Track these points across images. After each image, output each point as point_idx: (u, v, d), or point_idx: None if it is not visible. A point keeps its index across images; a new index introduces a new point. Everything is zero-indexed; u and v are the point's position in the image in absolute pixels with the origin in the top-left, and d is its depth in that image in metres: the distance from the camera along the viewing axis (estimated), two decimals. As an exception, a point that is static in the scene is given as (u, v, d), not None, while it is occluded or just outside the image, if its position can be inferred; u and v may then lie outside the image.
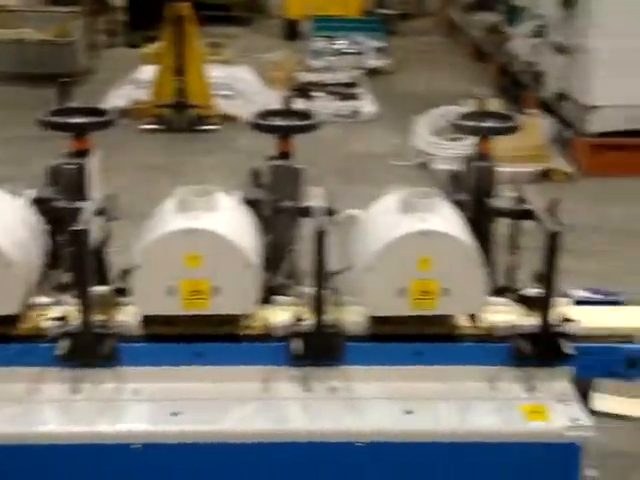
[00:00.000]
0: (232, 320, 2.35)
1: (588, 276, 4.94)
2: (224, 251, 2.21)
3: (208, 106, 8.11)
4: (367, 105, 8.68)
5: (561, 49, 7.68)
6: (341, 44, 10.24)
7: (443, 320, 2.37)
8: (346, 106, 8.56)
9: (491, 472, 2.25)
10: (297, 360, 2.31)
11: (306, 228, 2.45)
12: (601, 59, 7.06)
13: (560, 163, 7.14)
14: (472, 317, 2.38)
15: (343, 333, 2.32)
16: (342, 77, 9.31)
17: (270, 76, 9.02)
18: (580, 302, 2.52)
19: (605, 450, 3.46)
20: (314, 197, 2.46)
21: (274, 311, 2.39)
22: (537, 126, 7.18)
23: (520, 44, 8.74)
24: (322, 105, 8.25)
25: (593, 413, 2.37)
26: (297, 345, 2.29)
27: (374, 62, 10.14)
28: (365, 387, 2.33)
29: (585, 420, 2.23)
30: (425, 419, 2.24)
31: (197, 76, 8.07)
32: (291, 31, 11.65)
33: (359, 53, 10.17)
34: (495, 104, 6.56)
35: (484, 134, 2.53)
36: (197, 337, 2.33)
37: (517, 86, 8.63)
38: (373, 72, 9.96)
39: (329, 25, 10.48)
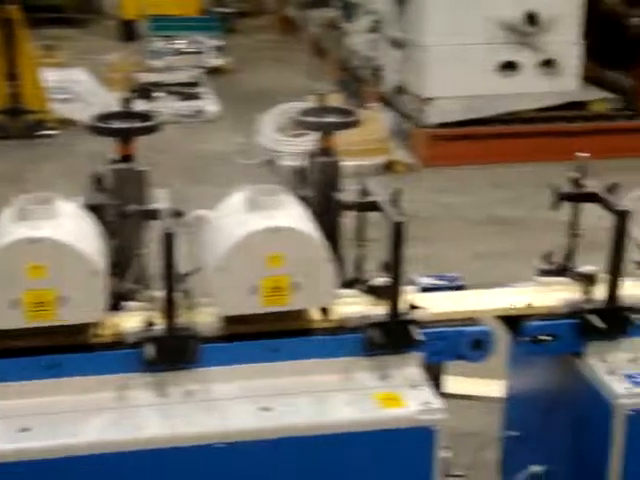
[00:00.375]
0: (81, 329, 2.28)
1: (433, 263, 5.10)
2: (68, 259, 2.15)
3: (45, 111, 7.87)
4: (210, 104, 8.63)
5: (397, 44, 7.89)
6: (180, 43, 10.14)
7: (296, 315, 2.38)
8: (188, 106, 8.49)
9: (351, 461, 2.28)
10: (151, 366, 2.27)
11: (153, 231, 2.42)
12: (435, 53, 7.31)
13: (401, 155, 7.34)
14: (324, 310, 2.41)
15: (197, 335, 2.30)
16: (183, 77, 9.23)
17: (108, 78, 8.83)
18: (426, 289, 2.60)
19: (457, 431, 3.58)
20: (159, 199, 2.42)
21: (124, 317, 2.34)
22: (378, 119, 7.35)
23: (357, 39, 8.91)
24: (163, 105, 8.16)
25: (444, 396, 2.44)
26: (150, 350, 2.25)
27: (215, 61, 10.10)
28: (222, 387, 2.32)
29: (437, 403, 2.29)
30: (283, 415, 2.25)
31: (31, 80, 7.81)
32: (128, 32, 11.43)
33: (199, 52, 10.10)
34: (336, 99, 6.65)
35: (326, 129, 2.56)
36: (45, 349, 2.25)
37: (357, 81, 8.80)
38: (214, 71, 9.92)
39: (167, 24, 10.35)
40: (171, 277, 2.23)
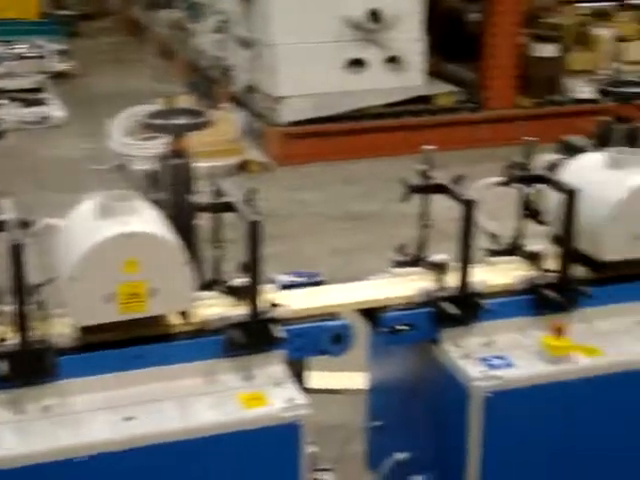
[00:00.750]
0: None
1: (292, 260, 5.14)
2: None
3: None
4: (55, 110, 8.39)
5: (245, 43, 7.89)
6: (21, 48, 9.80)
7: (155, 321, 2.35)
8: (33, 112, 8.21)
9: (219, 464, 2.28)
10: (5, 382, 2.19)
11: (0, 243, 2.33)
12: (283, 52, 7.35)
13: (255, 154, 7.34)
14: (184, 314, 2.38)
15: (52, 347, 2.23)
16: (25, 83, 8.93)
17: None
18: (286, 286, 2.61)
19: (323, 425, 3.62)
20: (5, 209, 2.34)
21: (-27, 335, 2.25)
22: (230, 120, 7.33)
23: (205, 40, 8.86)
24: (6, 113, 7.87)
25: (309, 391, 2.47)
26: (2, 367, 2.17)
27: (58, 65, 9.81)
28: (83, 399, 2.26)
29: (301, 399, 2.31)
30: (147, 423, 2.22)
31: None
32: (-36, 37, 10.95)
33: (41, 57, 9.78)
34: (186, 101, 6.59)
35: (176, 131, 2.53)
36: None
37: (207, 81, 8.74)
38: (58, 76, 9.63)
39: (5, 29, 9.98)
40: (21, 289, 2.16)
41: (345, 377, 4.18)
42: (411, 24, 7.59)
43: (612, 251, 2.59)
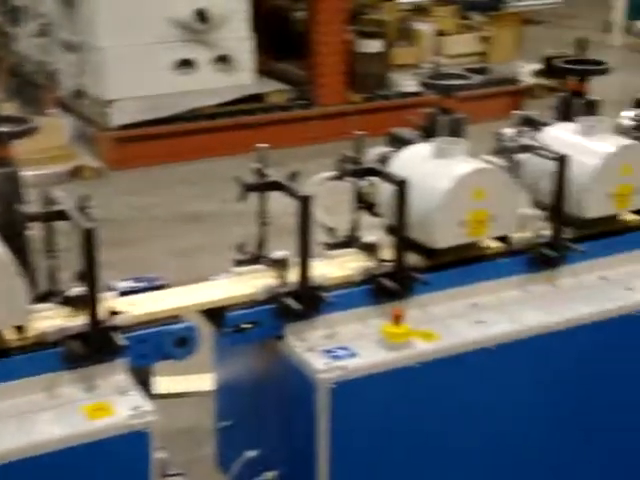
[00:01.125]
0: None
1: (132, 266, 5.06)
2: None
3: None
4: None
5: (70, 47, 7.69)
6: None
7: (-11, 337, 2.26)
8: None
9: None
10: None
11: None
12: (110, 54, 7.20)
13: (87, 160, 7.18)
14: (19, 328, 2.30)
15: None
16: None
17: None
18: (125, 293, 2.57)
19: (173, 430, 3.59)
20: None
21: None
22: (58, 125, 7.13)
23: (28, 44, 8.56)
24: None
25: (156, 397, 2.44)
26: None
27: None
28: None
29: (147, 406, 2.28)
30: (-16, 444, 2.13)
31: None
32: None
33: None
34: (9, 108, 6.36)
35: None
36: None
37: (32, 87, 8.45)
38: None
39: None
40: None
41: (193, 380, 4.15)
42: (238, 23, 7.61)
43: (443, 238, 2.69)
